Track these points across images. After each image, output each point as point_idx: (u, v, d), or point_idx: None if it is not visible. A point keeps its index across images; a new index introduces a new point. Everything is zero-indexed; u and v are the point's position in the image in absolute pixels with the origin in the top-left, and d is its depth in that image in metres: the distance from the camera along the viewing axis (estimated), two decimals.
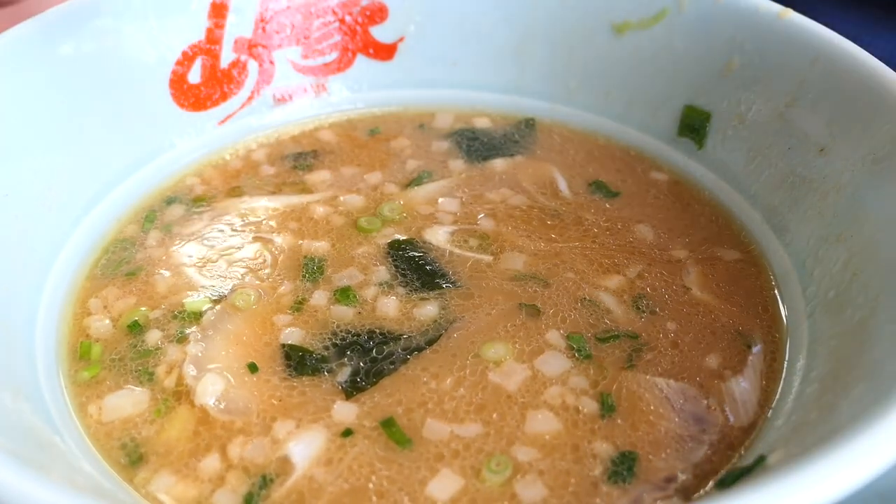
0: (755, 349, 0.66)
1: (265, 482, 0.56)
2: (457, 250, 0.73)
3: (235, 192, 0.82)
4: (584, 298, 0.69)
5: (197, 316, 0.67)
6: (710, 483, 0.57)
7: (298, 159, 0.86)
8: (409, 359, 0.64)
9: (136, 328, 0.67)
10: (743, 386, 0.63)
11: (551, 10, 0.88)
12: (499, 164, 0.84)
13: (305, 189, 0.82)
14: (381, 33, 0.91)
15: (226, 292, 0.69)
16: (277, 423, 0.59)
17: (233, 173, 0.85)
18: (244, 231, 0.76)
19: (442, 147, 0.88)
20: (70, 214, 0.75)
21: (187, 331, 0.66)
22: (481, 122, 0.91)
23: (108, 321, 0.68)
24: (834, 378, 0.58)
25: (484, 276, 0.71)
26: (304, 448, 0.58)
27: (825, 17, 0.77)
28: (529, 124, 0.90)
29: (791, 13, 0.77)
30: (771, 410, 0.61)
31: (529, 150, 0.87)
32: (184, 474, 0.57)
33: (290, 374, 0.63)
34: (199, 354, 0.64)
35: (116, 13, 0.79)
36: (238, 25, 0.86)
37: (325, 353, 0.64)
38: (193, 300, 0.69)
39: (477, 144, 0.88)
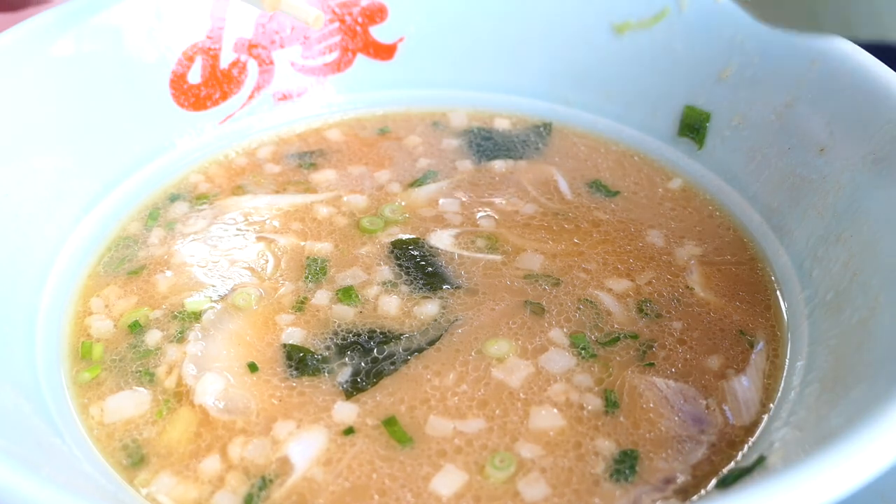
0: (757, 348, 0.66)
1: (265, 483, 0.56)
2: (465, 252, 0.73)
3: (239, 190, 0.82)
4: (588, 300, 0.69)
5: (197, 316, 0.67)
6: (710, 484, 0.57)
7: (304, 158, 0.86)
8: (409, 359, 0.64)
9: (136, 328, 0.67)
10: (745, 385, 0.63)
11: (551, 10, 0.88)
12: (501, 165, 0.84)
13: (309, 188, 0.82)
14: (380, 33, 0.91)
15: (227, 292, 0.69)
16: (278, 423, 0.60)
17: (237, 171, 0.85)
18: (247, 230, 0.76)
19: (452, 145, 0.88)
20: (70, 214, 0.75)
21: (187, 331, 0.66)
22: (501, 123, 0.91)
23: (109, 321, 0.68)
24: (834, 378, 0.58)
25: (494, 276, 0.71)
26: (304, 448, 0.58)
27: None
28: (546, 127, 0.90)
29: None
30: (771, 410, 0.61)
31: (538, 152, 0.87)
32: (184, 475, 0.57)
33: (290, 375, 0.63)
34: (199, 354, 0.64)
35: (116, 13, 0.79)
36: (238, 25, 0.86)
37: (326, 354, 0.64)
38: (194, 300, 0.69)
39: (489, 144, 0.88)
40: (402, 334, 0.66)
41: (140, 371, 0.64)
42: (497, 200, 0.80)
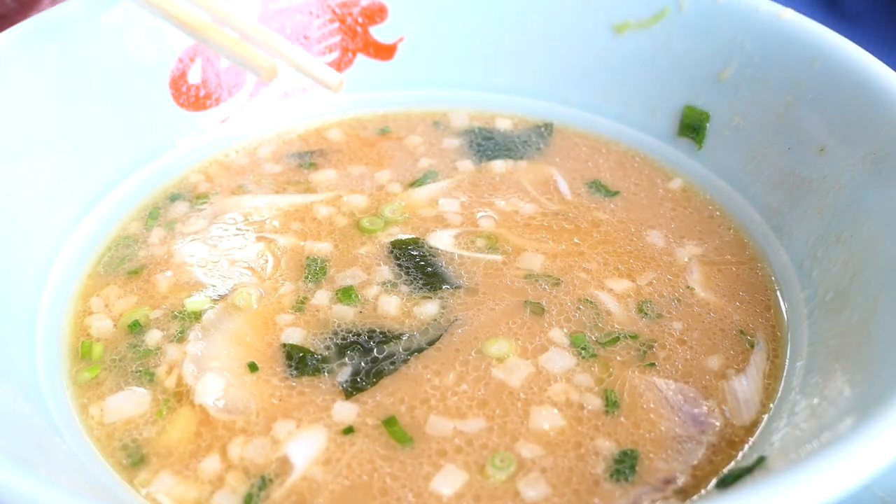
0: (758, 348, 0.66)
1: (265, 483, 0.56)
2: (465, 252, 0.73)
3: (239, 190, 0.82)
4: (588, 300, 0.69)
5: (197, 315, 0.67)
6: (710, 484, 0.57)
7: (304, 158, 0.86)
8: (409, 358, 0.64)
9: (136, 328, 0.67)
10: (745, 385, 0.63)
11: (551, 10, 0.88)
12: (501, 165, 0.84)
13: (310, 188, 0.82)
14: (380, 33, 0.91)
15: (227, 292, 0.69)
16: (277, 423, 0.60)
17: (238, 171, 0.85)
18: (247, 230, 0.76)
19: (453, 145, 0.88)
20: (70, 214, 0.75)
21: (187, 330, 0.66)
22: (503, 124, 0.91)
23: (109, 321, 0.68)
24: (834, 378, 0.58)
25: (494, 276, 0.71)
26: (303, 448, 0.58)
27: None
28: (548, 127, 0.90)
29: (791, 13, 0.77)
30: (771, 410, 0.61)
31: (539, 152, 0.87)
32: (184, 475, 0.57)
33: (290, 375, 0.63)
34: (199, 354, 0.64)
35: (116, 13, 0.79)
36: (238, 26, 0.86)
37: (326, 354, 0.64)
38: (194, 300, 0.69)
39: (490, 144, 0.88)
40: (402, 334, 0.66)
41: (140, 371, 0.64)
42: (497, 200, 0.80)
